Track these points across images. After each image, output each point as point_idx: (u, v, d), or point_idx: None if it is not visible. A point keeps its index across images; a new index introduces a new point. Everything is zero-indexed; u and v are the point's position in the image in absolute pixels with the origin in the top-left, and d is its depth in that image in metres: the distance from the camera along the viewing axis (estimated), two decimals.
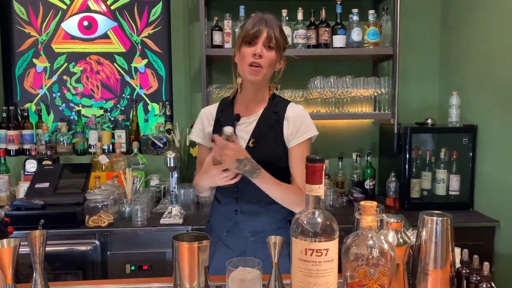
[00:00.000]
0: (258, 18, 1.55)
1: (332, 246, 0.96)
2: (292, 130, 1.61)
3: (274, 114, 1.63)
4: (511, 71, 2.26)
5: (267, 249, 1.14)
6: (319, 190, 0.98)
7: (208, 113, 1.72)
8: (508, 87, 2.28)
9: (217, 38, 2.68)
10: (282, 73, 1.66)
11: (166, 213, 2.37)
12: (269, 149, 1.59)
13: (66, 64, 3.05)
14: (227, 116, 1.67)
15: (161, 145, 2.88)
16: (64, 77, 3.06)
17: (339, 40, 2.67)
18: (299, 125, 1.61)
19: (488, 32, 2.46)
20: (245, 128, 1.63)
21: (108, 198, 2.39)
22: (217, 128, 1.65)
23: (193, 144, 2.75)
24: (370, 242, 0.96)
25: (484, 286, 1.05)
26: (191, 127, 2.43)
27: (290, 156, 1.63)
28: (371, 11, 2.67)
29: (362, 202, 0.96)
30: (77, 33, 3.04)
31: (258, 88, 1.62)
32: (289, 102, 1.69)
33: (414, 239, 1.13)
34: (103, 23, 3.04)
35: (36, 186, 2.43)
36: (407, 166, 2.62)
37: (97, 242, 2.25)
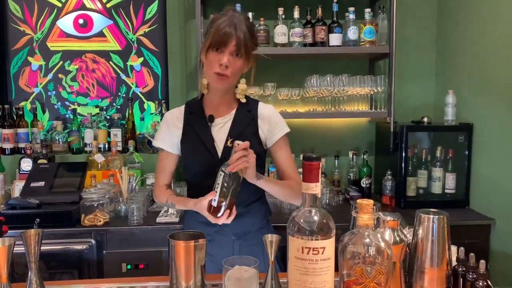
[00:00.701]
0: (227, 22, 1.46)
1: (328, 244, 0.96)
2: (268, 128, 1.62)
3: (248, 112, 1.63)
4: (507, 70, 2.26)
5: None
6: (316, 188, 0.98)
7: (173, 117, 1.66)
8: (504, 86, 2.29)
9: None
10: (254, 72, 1.59)
11: (162, 211, 2.36)
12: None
13: (61, 62, 3.03)
14: (198, 117, 1.63)
15: None
16: (60, 75, 3.04)
17: (335, 39, 2.67)
18: (275, 123, 1.63)
19: (484, 31, 2.47)
20: (221, 128, 1.61)
21: (104, 197, 2.38)
22: (188, 130, 1.62)
23: None
24: (367, 240, 0.96)
25: (481, 284, 1.06)
26: None
27: (274, 153, 1.64)
28: (368, 10, 2.66)
29: (358, 200, 0.96)
30: (73, 31, 3.02)
31: (225, 92, 1.60)
32: (258, 101, 1.69)
33: (411, 237, 1.13)
34: (99, 21, 3.03)
35: (32, 185, 2.42)
36: (403, 165, 2.62)
37: (93, 241, 2.24)
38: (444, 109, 2.64)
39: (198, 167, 1.60)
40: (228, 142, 1.56)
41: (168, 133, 1.65)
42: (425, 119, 2.67)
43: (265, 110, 1.65)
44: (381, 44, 2.69)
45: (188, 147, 1.61)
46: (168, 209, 2.34)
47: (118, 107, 3.08)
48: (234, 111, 1.63)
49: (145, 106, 3.10)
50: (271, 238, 1.12)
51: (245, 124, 1.61)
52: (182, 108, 1.68)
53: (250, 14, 2.59)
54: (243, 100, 1.64)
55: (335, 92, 2.68)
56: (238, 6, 2.64)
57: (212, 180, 1.44)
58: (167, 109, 2.98)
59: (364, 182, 2.83)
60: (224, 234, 1.59)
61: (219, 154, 1.57)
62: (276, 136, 1.62)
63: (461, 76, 2.70)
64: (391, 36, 2.62)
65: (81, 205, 2.32)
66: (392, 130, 2.66)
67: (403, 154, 2.61)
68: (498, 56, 2.34)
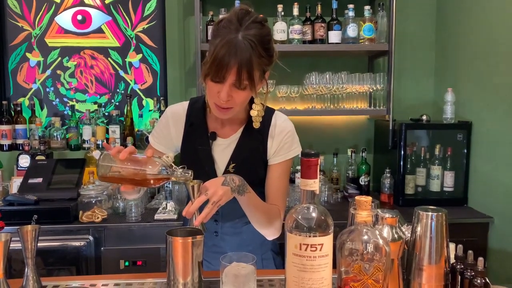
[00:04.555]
0: (227, 47, 1.17)
1: (326, 241, 0.96)
2: (276, 149, 1.43)
3: (257, 132, 1.41)
4: (506, 68, 2.26)
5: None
6: (314, 184, 0.98)
7: (176, 118, 1.46)
8: (503, 84, 2.29)
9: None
10: (267, 91, 1.41)
11: (160, 208, 2.36)
12: (252, 173, 1.39)
13: (59, 58, 3.02)
14: (199, 131, 1.43)
15: None
16: (58, 71, 3.03)
17: (334, 36, 2.66)
18: (284, 143, 1.42)
19: (483, 29, 2.46)
20: (223, 150, 1.42)
21: (102, 193, 2.39)
22: (188, 144, 1.43)
23: None
24: (365, 237, 0.95)
25: (479, 281, 1.05)
26: None
27: (269, 173, 1.44)
28: (367, 7, 2.66)
29: (357, 197, 0.96)
30: (71, 27, 3.01)
31: None
32: (273, 111, 1.47)
33: (409, 235, 1.13)
34: (97, 18, 3.01)
35: (29, 181, 2.41)
36: (401, 163, 2.62)
37: (91, 238, 2.24)
38: (443, 107, 2.64)
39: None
40: (230, 167, 1.40)
41: (167, 134, 1.46)
42: (424, 117, 2.67)
43: (277, 128, 1.43)
44: (380, 42, 2.69)
45: (186, 163, 1.43)
46: (166, 205, 2.34)
47: (117, 103, 3.07)
48: (241, 130, 1.42)
49: (144, 103, 3.09)
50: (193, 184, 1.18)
51: (252, 148, 1.41)
52: (186, 107, 1.47)
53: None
54: (257, 126, 1.39)
55: (334, 89, 2.68)
56: (237, 3, 2.64)
57: (206, 204, 1.31)
58: (166, 106, 2.97)
59: (363, 180, 2.83)
60: (221, 247, 1.47)
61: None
62: (280, 157, 1.43)
63: (460, 74, 2.70)
64: (391, 33, 2.62)
65: (79, 202, 2.32)
66: (391, 128, 2.66)
67: (402, 152, 2.61)
68: (497, 54, 2.34)
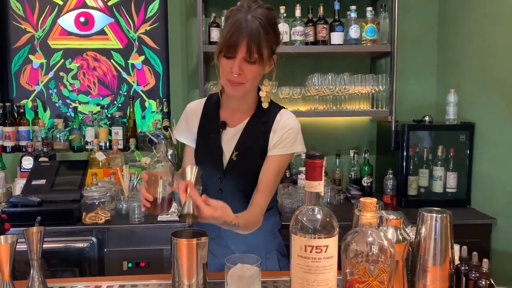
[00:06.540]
0: (236, 24, 1.31)
1: (331, 242, 0.96)
2: (276, 141, 1.46)
3: (261, 124, 1.48)
4: (509, 68, 2.26)
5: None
6: (319, 186, 0.98)
7: (193, 112, 1.57)
8: (506, 85, 2.29)
9: (214, 34, 2.66)
10: (276, 72, 1.48)
11: None
12: (252, 163, 1.46)
13: (62, 60, 3.03)
14: (211, 121, 1.53)
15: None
16: (61, 73, 3.04)
17: (337, 37, 2.67)
18: (285, 138, 1.46)
19: (486, 30, 2.46)
20: (230, 139, 1.49)
21: (105, 195, 2.39)
22: (201, 133, 1.53)
23: None
24: (370, 239, 0.96)
25: (483, 283, 1.05)
26: None
27: (265, 163, 1.46)
28: (369, 8, 2.66)
29: (361, 199, 0.96)
30: (74, 29, 3.02)
31: (243, 97, 1.46)
32: (281, 108, 1.53)
33: (413, 236, 1.13)
34: (100, 19, 3.02)
35: (33, 183, 2.41)
36: (404, 164, 2.62)
37: (94, 239, 2.24)
38: (446, 108, 2.64)
39: (203, 173, 1.51)
40: (233, 155, 1.46)
41: (186, 127, 1.57)
42: (427, 118, 2.66)
43: (280, 123, 1.48)
44: (383, 43, 2.69)
45: (198, 151, 1.54)
46: None
47: (119, 105, 3.08)
48: (246, 121, 1.49)
49: (146, 104, 3.09)
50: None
51: (255, 138, 1.47)
52: (203, 101, 1.58)
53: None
54: (266, 105, 1.48)
55: (337, 90, 2.68)
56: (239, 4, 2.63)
57: (211, 187, 1.46)
58: (168, 107, 2.98)
59: (365, 181, 2.83)
60: (224, 241, 1.51)
61: (224, 165, 1.48)
62: (280, 150, 1.46)
63: (463, 75, 2.70)
64: (393, 34, 2.61)
65: (82, 203, 2.32)
66: (393, 129, 2.66)
67: (405, 153, 2.61)
68: (499, 55, 2.34)
